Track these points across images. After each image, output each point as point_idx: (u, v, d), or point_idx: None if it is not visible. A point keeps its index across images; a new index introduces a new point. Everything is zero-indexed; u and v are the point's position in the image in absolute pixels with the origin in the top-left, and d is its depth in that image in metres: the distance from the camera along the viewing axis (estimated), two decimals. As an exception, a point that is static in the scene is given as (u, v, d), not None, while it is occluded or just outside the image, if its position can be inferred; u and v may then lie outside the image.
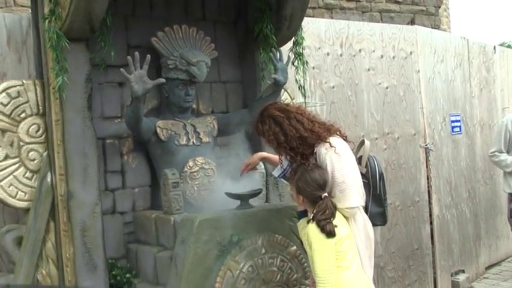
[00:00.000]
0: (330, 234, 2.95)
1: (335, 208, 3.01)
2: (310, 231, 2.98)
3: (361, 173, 3.28)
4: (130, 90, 3.46)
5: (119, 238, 3.81)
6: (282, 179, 3.56)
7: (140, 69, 3.42)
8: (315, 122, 3.20)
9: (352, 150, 3.29)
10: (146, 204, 3.93)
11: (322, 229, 2.94)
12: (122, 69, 3.43)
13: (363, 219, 3.16)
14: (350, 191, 3.04)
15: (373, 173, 3.41)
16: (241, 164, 3.75)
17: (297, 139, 3.11)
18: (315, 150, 3.13)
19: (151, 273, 3.58)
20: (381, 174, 3.44)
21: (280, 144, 3.15)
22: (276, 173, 3.51)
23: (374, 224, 3.30)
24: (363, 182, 3.25)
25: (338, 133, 3.24)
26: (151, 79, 3.50)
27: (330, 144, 3.10)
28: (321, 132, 3.14)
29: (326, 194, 3.01)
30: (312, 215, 3.00)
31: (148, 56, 3.45)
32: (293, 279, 3.40)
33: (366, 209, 3.29)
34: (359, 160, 3.40)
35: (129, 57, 3.43)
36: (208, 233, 3.21)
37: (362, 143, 3.49)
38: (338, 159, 3.06)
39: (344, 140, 3.24)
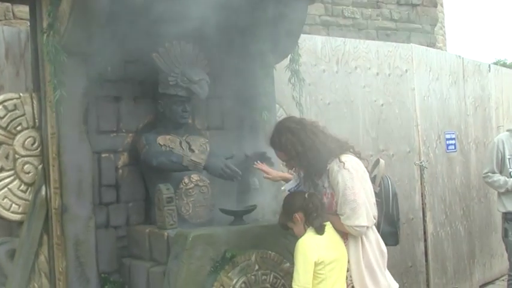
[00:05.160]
0: (319, 229, 3.04)
1: (321, 203, 3.09)
2: (297, 246, 3.05)
3: (375, 192, 3.27)
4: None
5: (112, 252, 3.81)
6: None
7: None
8: (329, 137, 3.24)
9: (366, 167, 3.28)
10: (140, 219, 3.92)
11: (312, 224, 3.05)
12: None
13: (375, 236, 3.19)
14: (360, 209, 3.03)
15: (386, 193, 3.41)
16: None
17: (313, 150, 3.13)
18: (327, 167, 3.14)
19: (144, 288, 3.58)
20: (394, 194, 3.44)
21: (298, 154, 3.17)
22: (288, 186, 3.53)
23: (385, 244, 3.29)
24: (376, 200, 3.24)
25: (351, 150, 3.25)
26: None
27: (340, 160, 3.10)
28: (334, 147, 3.16)
29: (308, 193, 3.11)
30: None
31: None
32: (286, 296, 3.39)
33: (378, 228, 3.28)
34: (373, 179, 3.38)
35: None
36: (201, 248, 3.21)
37: (377, 162, 3.48)
38: (350, 177, 3.06)
39: (358, 157, 3.23)
